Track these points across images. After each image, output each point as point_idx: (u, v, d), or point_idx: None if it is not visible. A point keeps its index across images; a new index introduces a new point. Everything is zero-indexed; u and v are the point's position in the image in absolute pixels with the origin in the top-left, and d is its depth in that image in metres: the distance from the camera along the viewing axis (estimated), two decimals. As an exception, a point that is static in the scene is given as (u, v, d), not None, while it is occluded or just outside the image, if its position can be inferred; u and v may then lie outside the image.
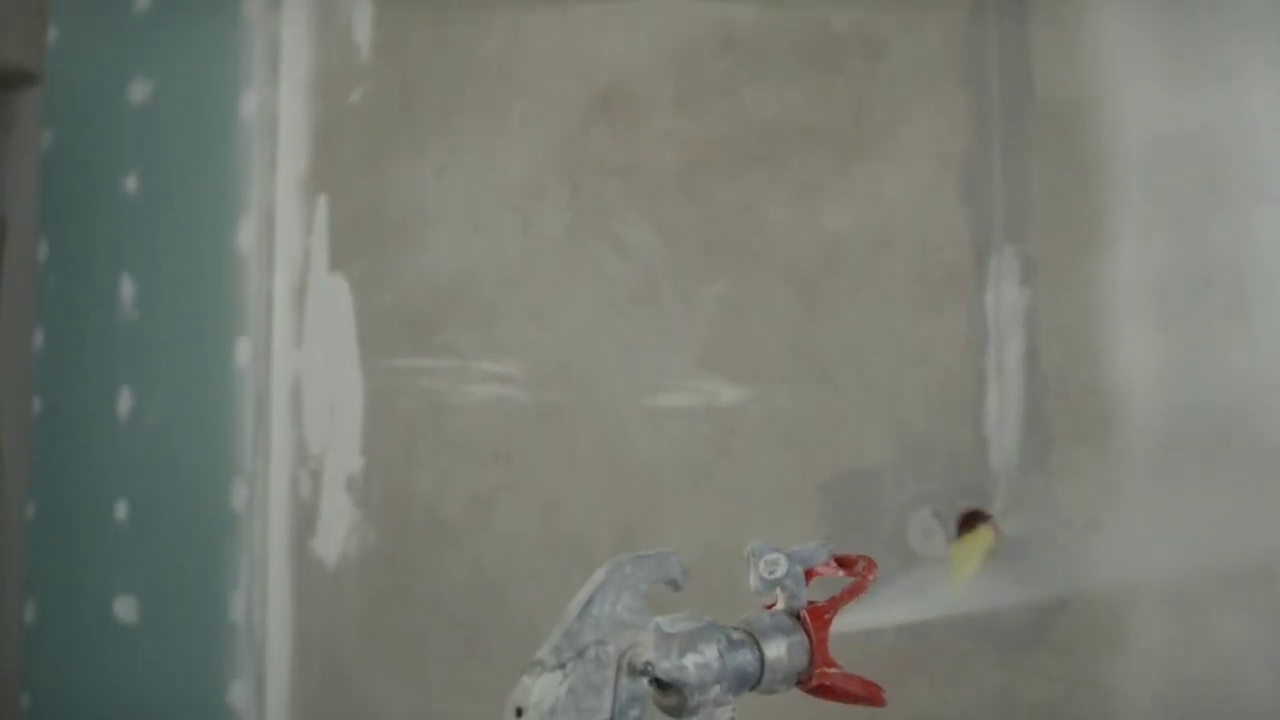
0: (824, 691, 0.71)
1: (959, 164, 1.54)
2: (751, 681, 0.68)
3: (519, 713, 0.63)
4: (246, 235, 2.23)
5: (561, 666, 0.63)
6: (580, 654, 0.63)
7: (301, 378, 2.15)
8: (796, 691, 0.71)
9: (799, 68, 1.66)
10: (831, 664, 0.70)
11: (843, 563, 0.73)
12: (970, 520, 1.50)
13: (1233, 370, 1.36)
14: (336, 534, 2.08)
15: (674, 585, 0.68)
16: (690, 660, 0.65)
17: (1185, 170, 1.41)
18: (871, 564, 0.73)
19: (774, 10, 1.68)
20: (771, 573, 0.71)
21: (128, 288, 2.39)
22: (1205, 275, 1.38)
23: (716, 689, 0.66)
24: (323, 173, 2.15)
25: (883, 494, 1.56)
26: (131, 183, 2.41)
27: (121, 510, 2.35)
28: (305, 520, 2.13)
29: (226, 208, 2.26)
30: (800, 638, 0.70)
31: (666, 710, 0.67)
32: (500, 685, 0.66)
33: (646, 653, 0.64)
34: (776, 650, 0.69)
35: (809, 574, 0.72)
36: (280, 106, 2.21)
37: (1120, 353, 1.43)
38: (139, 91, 2.41)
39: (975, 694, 1.50)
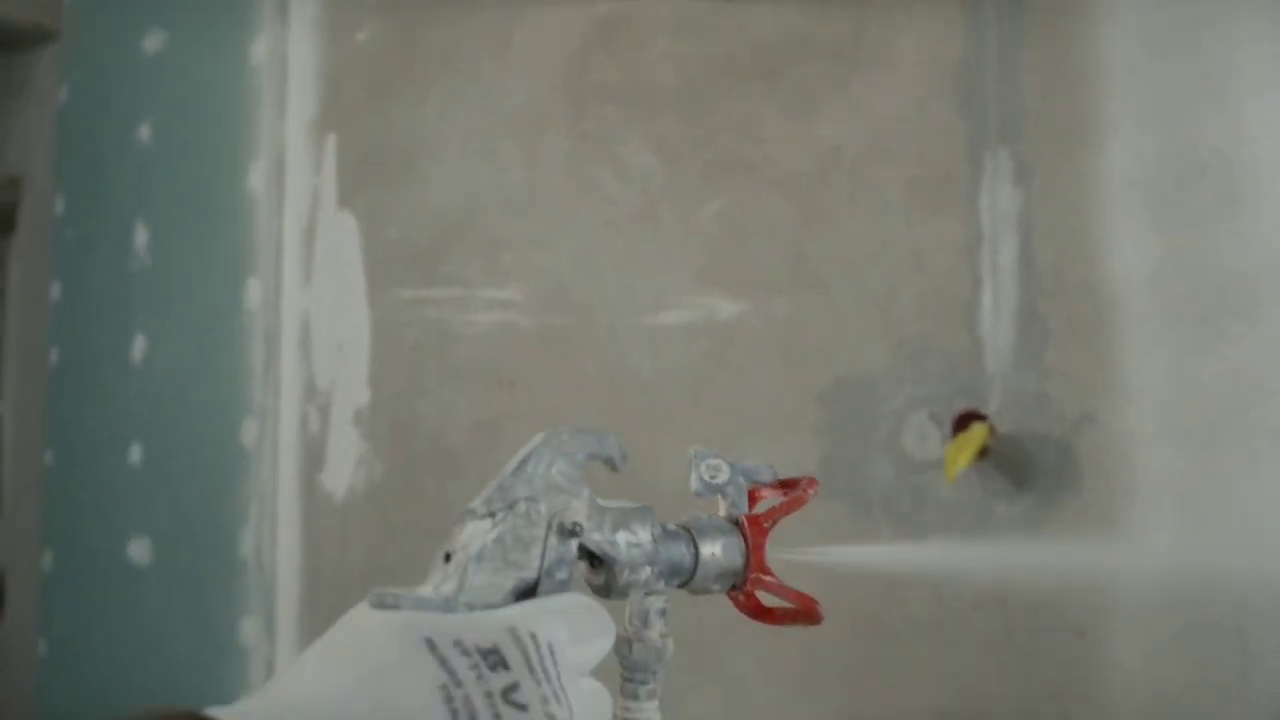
0: (760, 613, 0.69)
1: (954, 69, 1.55)
2: (684, 575, 0.67)
3: (447, 557, 0.61)
4: (257, 177, 2.25)
5: (491, 515, 0.61)
6: (511, 507, 0.62)
7: (310, 315, 2.17)
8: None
9: (796, -18, 1.67)
10: (767, 572, 0.69)
11: (786, 484, 0.73)
12: (965, 422, 1.50)
13: (1226, 261, 1.36)
14: (344, 467, 2.10)
15: (611, 464, 0.66)
16: (622, 537, 0.64)
17: (1176, 64, 1.41)
18: (813, 481, 0.73)
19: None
20: (713, 477, 0.71)
21: (141, 235, 2.42)
22: (1198, 168, 1.38)
23: (648, 571, 0.65)
24: (331, 112, 2.17)
25: (880, 399, 1.57)
26: (145, 132, 2.44)
27: (136, 453, 2.38)
28: (314, 455, 2.15)
29: (238, 151, 2.28)
30: (737, 540, 0.69)
31: (596, 590, 0.66)
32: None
33: (578, 515, 0.63)
34: (712, 548, 0.68)
35: (753, 494, 0.71)
36: (290, 49, 2.23)
37: (1114, 249, 1.43)
38: (153, 42, 2.44)
39: (972, 596, 1.50)
